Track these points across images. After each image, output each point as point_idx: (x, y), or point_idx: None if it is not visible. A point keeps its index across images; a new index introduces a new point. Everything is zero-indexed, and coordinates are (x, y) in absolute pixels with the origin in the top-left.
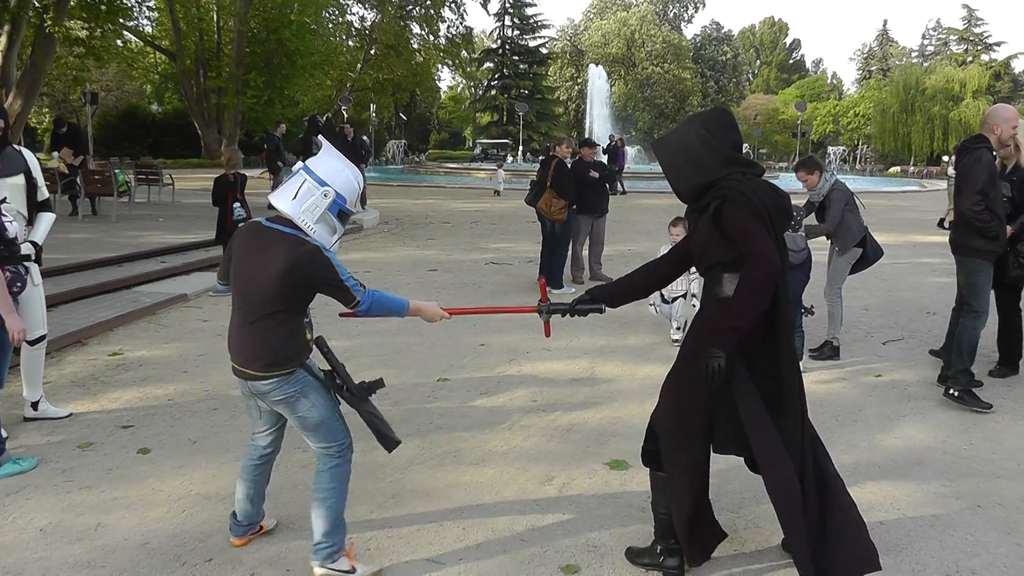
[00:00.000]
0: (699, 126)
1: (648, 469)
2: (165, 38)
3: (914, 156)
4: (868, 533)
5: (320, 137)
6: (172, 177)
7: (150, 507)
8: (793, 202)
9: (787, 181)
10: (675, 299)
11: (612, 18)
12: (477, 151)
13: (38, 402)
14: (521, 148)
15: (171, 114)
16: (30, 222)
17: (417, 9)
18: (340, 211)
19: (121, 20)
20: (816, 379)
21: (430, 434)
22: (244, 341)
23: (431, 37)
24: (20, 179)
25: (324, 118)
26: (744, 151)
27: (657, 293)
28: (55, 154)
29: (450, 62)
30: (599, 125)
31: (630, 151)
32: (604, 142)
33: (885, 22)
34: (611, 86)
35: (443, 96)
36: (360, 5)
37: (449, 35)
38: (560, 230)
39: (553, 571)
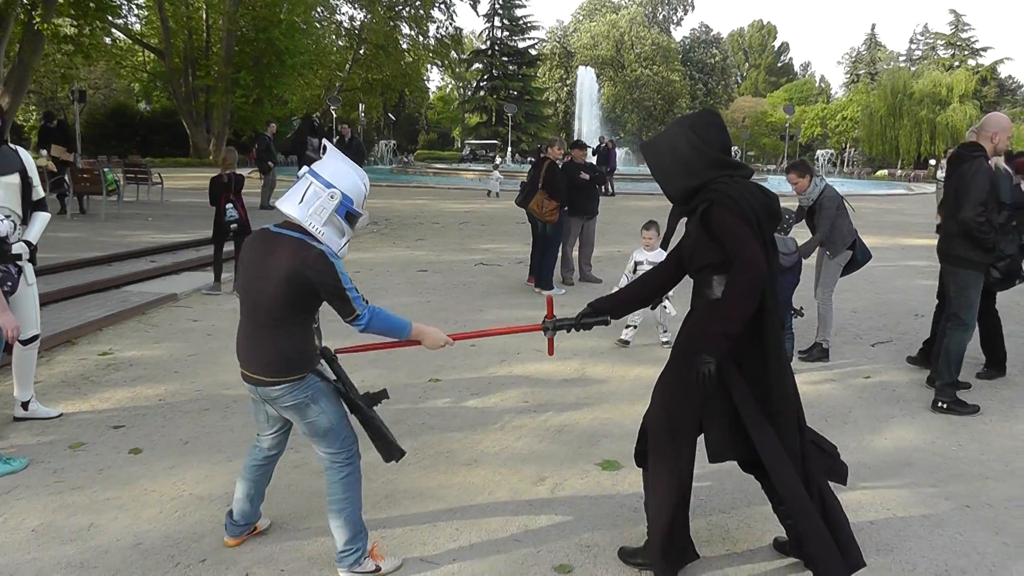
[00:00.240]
0: (687, 129)
1: (641, 470)
2: (154, 36)
3: (901, 159)
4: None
5: (324, 140)
6: (161, 176)
7: (142, 508)
8: (782, 204)
9: (775, 183)
10: (656, 305)
11: (601, 20)
12: (466, 152)
13: (28, 402)
14: (510, 149)
15: (159, 113)
16: (24, 221)
17: (407, 9)
18: (348, 213)
19: (110, 17)
20: (806, 380)
21: (422, 435)
22: (253, 347)
23: (420, 37)
24: (15, 178)
25: (310, 117)
26: (733, 153)
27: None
28: (43, 151)
29: (439, 63)
30: (588, 127)
31: (619, 153)
32: (593, 143)
33: (873, 26)
34: (600, 88)
35: (432, 97)
36: (349, 5)
37: (438, 36)
38: (551, 231)
39: (546, 571)
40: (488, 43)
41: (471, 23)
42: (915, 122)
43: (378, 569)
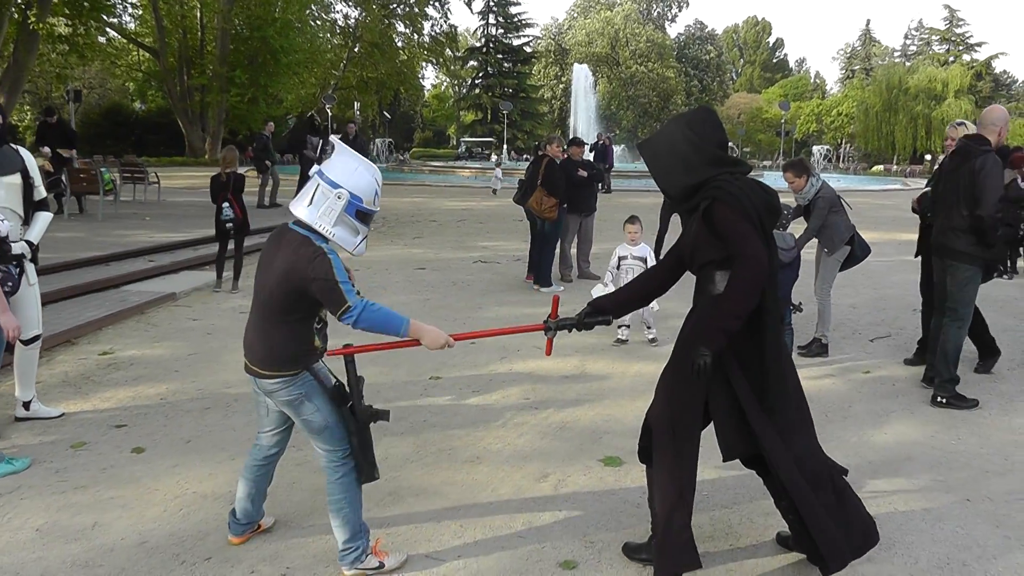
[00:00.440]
0: (684, 126)
1: (644, 466)
2: (148, 35)
3: (897, 155)
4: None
5: (332, 138)
6: (158, 175)
7: (146, 506)
8: (781, 200)
9: (771, 179)
10: None
11: (596, 17)
12: (461, 150)
13: (30, 402)
14: (505, 147)
15: (154, 112)
16: (26, 221)
17: (401, 7)
18: (358, 211)
19: (104, 17)
20: (805, 376)
21: (424, 432)
22: (254, 339)
23: (415, 35)
24: (16, 178)
25: (312, 116)
26: (729, 150)
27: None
28: (44, 148)
29: (434, 60)
30: (584, 124)
31: (616, 149)
32: (589, 140)
33: (868, 22)
34: (595, 85)
35: (427, 94)
36: (344, 3)
37: (433, 33)
38: (549, 228)
39: (551, 567)
40: (483, 40)
41: (466, 20)
42: (910, 117)
43: (382, 566)
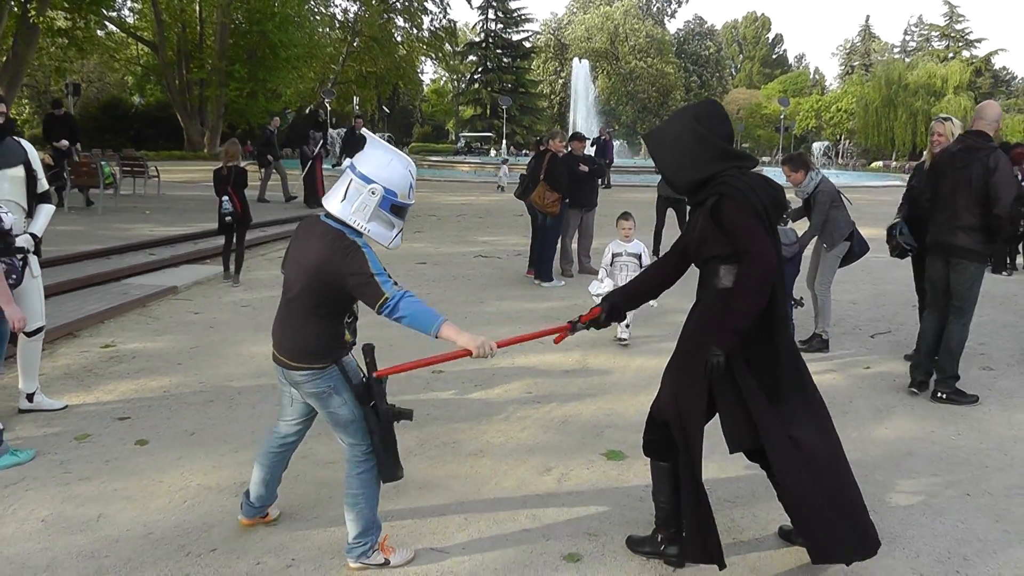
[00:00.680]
0: (692, 120)
1: (649, 460)
2: (147, 29)
3: (896, 151)
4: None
5: (364, 130)
6: (158, 169)
7: (151, 498)
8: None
9: (771, 175)
10: None
11: (595, 12)
12: (460, 145)
13: (33, 394)
14: (504, 142)
15: (153, 106)
16: (29, 214)
17: (400, 2)
18: (393, 205)
19: (104, 10)
20: None
21: (427, 425)
22: (283, 330)
23: (414, 30)
24: (20, 171)
25: (316, 112)
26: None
27: (603, 287)
28: (63, 143)
29: (433, 55)
30: (583, 119)
31: (616, 145)
32: (590, 136)
33: (867, 18)
34: (595, 80)
35: (426, 89)
36: None
37: (432, 28)
38: (551, 223)
39: (556, 560)
40: (482, 35)
41: (465, 15)
42: (910, 113)
43: (387, 562)
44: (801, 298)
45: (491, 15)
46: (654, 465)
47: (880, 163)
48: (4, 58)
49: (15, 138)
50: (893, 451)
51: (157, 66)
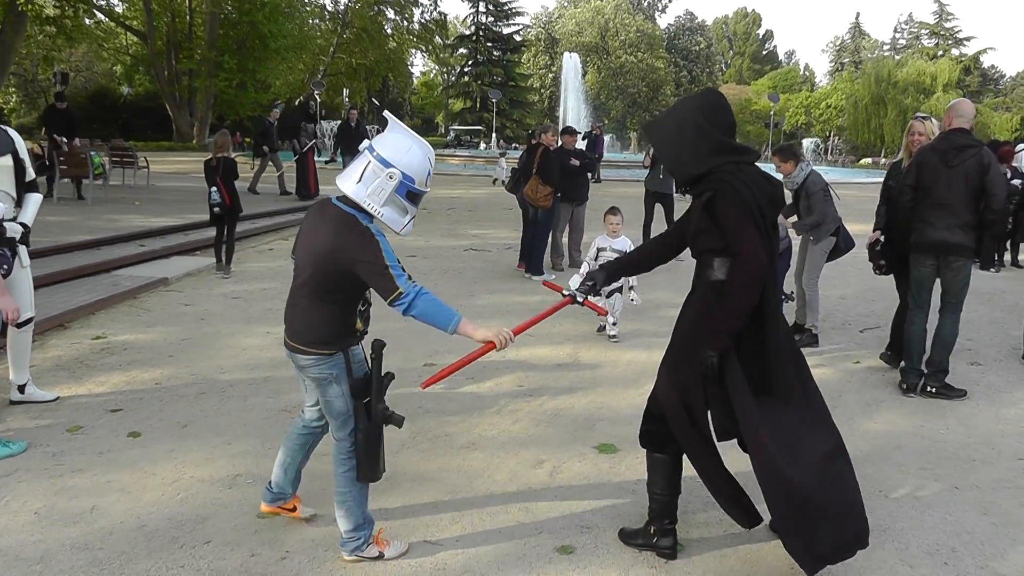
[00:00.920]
0: (695, 112)
1: (644, 452)
2: (136, 18)
3: (885, 148)
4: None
5: (386, 113)
6: (147, 160)
7: (144, 490)
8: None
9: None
10: (611, 293)
11: (586, 7)
12: (450, 137)
13: (24, 385)
14: (494, 135)
15: (142, 96)
16: (18, 204)
17: None
18: (409, 191)
19: None
20: None
21: (419, 419)
22: (291, 314)
23: (405, 22)
24: (7, 160)
25: (307, 103)
26: None
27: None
28: (63, 137)
29: (423, 47)
30: (573, 113)
31: (605, 139)
32: (581, 130)
33: (857, 15)
34: (585, 74)
35: (416, 82)
36: None
37: (423, 20)
38: (543, 217)
39: (548, 552)
40: (472, 28)
41: (455, 8)
42: (899, 111)
43: (381, 555)
44: (792, 292)
45: (482, 8)
46: (650, 456)
47: (869, 160)
48: None
49: (2, 127)
50: (882, 445)
51: (146, 56)
